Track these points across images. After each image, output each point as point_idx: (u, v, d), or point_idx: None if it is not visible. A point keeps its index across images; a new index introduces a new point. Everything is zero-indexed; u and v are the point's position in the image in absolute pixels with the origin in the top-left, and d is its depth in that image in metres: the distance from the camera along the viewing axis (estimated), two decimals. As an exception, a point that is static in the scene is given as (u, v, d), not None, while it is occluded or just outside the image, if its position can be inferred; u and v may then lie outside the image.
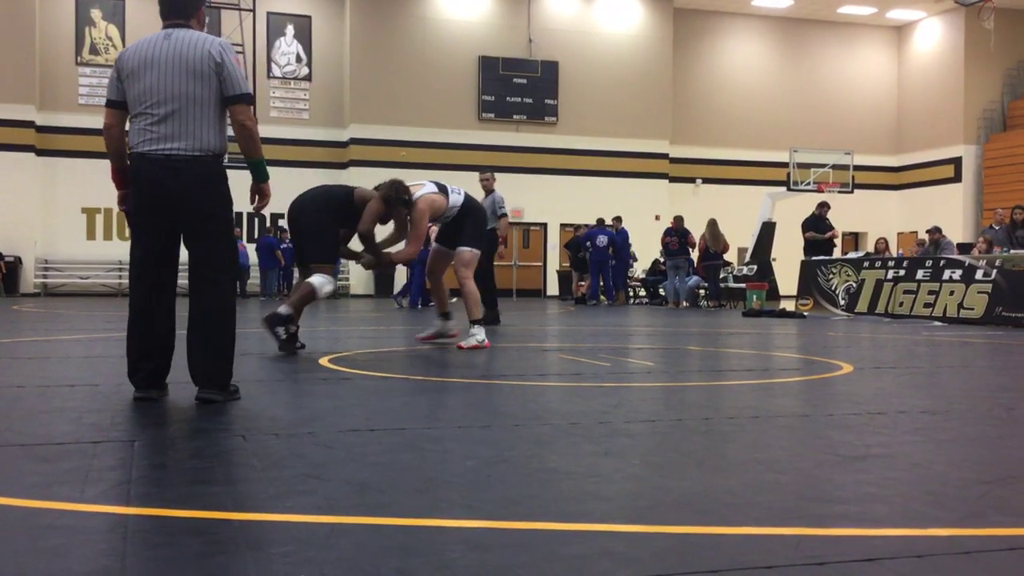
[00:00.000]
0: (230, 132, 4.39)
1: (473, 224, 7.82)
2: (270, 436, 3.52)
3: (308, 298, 7.09)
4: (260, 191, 4.49)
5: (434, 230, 8.59)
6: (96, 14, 24.53)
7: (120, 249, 23.33)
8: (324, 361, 6.36)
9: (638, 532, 2.28)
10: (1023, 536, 2.26)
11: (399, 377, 5.74)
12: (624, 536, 2.25)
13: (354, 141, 25.47)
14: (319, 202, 7.42)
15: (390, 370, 6.08)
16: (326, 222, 7.28)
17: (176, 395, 4.52)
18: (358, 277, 25.62)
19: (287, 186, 24.88)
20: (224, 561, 2.05)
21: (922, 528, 2.33)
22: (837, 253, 17.73)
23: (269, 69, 25.57)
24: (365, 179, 25.26)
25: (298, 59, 25.97)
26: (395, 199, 7.37)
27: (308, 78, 26.03)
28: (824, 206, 17.49)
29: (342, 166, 25.86)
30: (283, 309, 6.99)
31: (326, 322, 12.39)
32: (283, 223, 25.25)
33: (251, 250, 23.62)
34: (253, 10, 23.97)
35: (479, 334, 7.66)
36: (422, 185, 7.70)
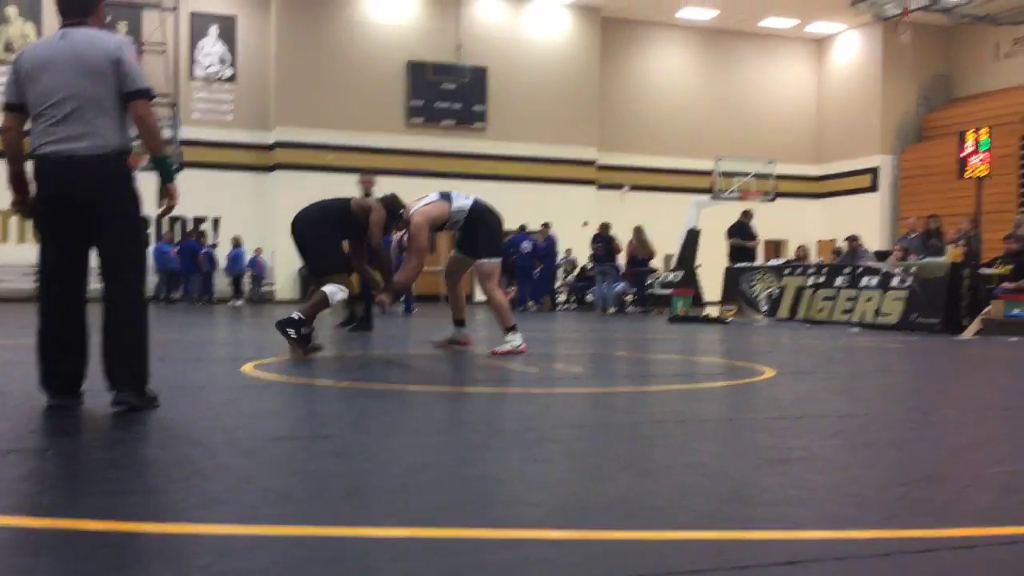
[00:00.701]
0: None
1: (487, 233, 7.72)
2: (190, 445, 3.43)
3: (320, 306, 7.20)
4: (168, 192, 4.29)
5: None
6: (12, 11, 23.78)
7: (33, 252, 22.64)
8: (248, 367, 6.24)
9: (566, 538, 2.28)
10: (940, 538, 2.32)
11: (326, 383, 5.66)
12: (552, 542, 2.25)
13: (279, 144, 25.11)
14: (317, 215, 7.50)
15: (317, 376, 6.00)
16: (328, 234, 7.41)
17: (92, 403, 4.39)
18: (283, 282, 25.26)
19: (211, 188, 24.74)
20: (140, 574, 1.99)
21: (842, 531, 2.37)
22: (760, 260, 18.10)
23: (192, 70, 25.08)
24: (291, 183, 25.00)
25: (222, 60, 25.52)
26: (394, 207, 7.52)
27: (232, 79, 25.60)
28: (748, 214, 17.87)
29: (268, 169, 25.49)
30: (295, 314, 7.15)
31: (251, 328, 12.19)
32: (205, 227, 24.85)
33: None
34: (176, 10, 23.50)
35: (515, 340, 7.58)
36: (426, 197, 7.74)
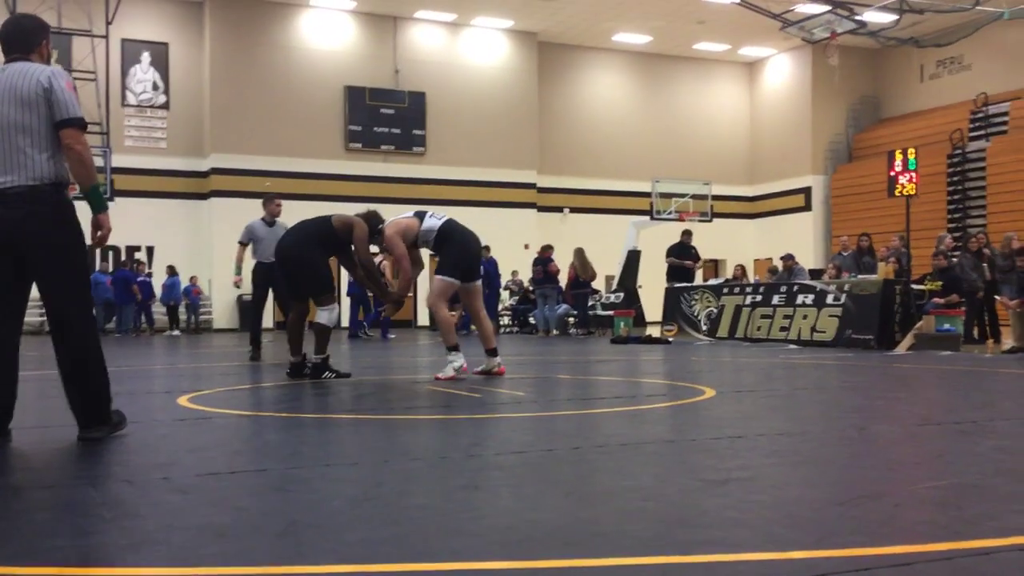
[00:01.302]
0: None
1: (448, 252, 7.75)
2: (122, 483, 3.34)
3: (326, 335, 7.70)
4: (98, 222, 4.23)
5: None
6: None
7: None
8: (183, 400, 6.11)
9: (507, 568, 2.26)
10: (875, 556, 2.35)
11: (263, 415, 5.57)
12: (494, 573, 2.22)
13: (215, 171, 24.81)
14: (300, 237, 7.68)
15: (254, 408, 5.90)
16: (311, 255, 7.58)
17: (20, 441, 4.25)
18: (220, 311, 24.89)
19: (145, 216, 24.39)
20: (67, 622, 1.92)
21: (781, 552, 2.39)
22: (699, 280, 18.31)
23: (124, 97, 24.69)
24: (227, 210, 24.69)
25: (155, 87, 25.17)
26: (375, 221, 7.75)
27: (166, 106, 25.25)
28: (688, 234, 18.10)
29: (203, 196, 25.15)
30: (316, 358, 7.71)
31: (187, 359, 11.97)
32: (139, 256, 24.39)
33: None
34: (107, 37, 23.15)
35: (455, 361, 7.59)
36: (402, 214, 7.97)
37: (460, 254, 7.75)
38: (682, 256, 17.73)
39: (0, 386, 4.15)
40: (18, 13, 4.44)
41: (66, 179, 4.15)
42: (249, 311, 11.09)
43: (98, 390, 4.20)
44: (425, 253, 8.09)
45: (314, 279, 7.64)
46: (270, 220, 10.82)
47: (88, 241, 4.29)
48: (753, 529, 2.63)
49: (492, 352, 8.03)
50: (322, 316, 7.60)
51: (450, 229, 7.77)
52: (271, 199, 10.97)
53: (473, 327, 8.72)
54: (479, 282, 8.07)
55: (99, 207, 4.20)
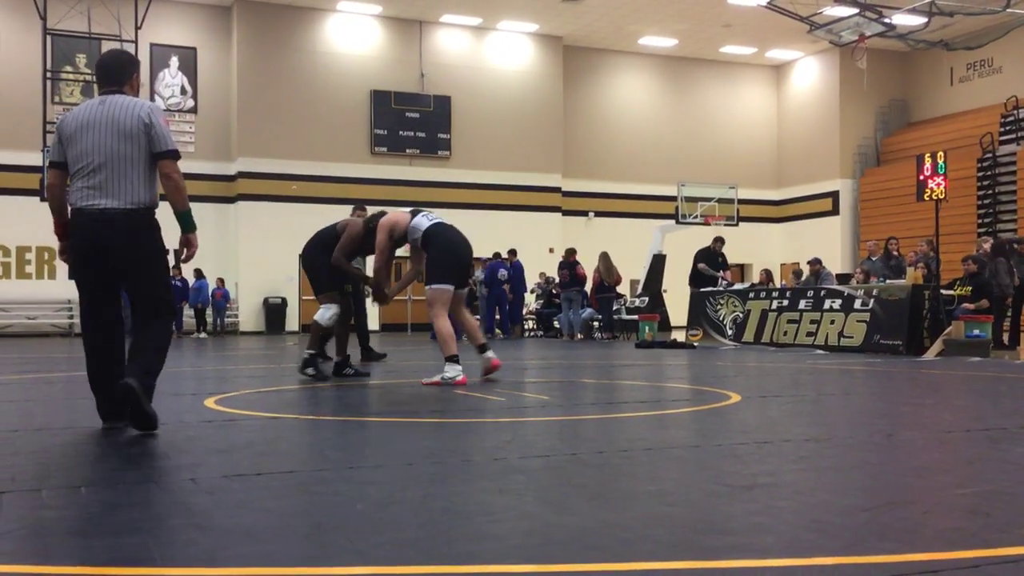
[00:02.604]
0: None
1: (433, 257, 7.69)
2: (149, 484, 3.37)
3: (317, 331, 8.14)
4: (187, 241, 4.83)
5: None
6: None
7: (63, 288, 22.50)
8: (210, 402, 6.16)
9: (531, 572, 2.26)
10: (904, 563, 2.33)
11: (289, 417, 5.60)
12: (517, 577, 2.22)
13: (242, 175, 25.00)
14: (310, 242, 8.38)
15: (280, 410, 5.93)
16: (316, 258, 8.23)
17: (48, 442, 4.30)
18: (247, 314, 25.06)
19: (173, 219, 24.48)
20: (95, 621, 1.94)
21: (807, 558, 2.37)
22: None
23: (152, 101, 24.92)
24: (254, 213, 24.87)
25: (183, 91, 25.41)
26: (372, 222, 8.06)
27: (193, 110, 25.48)
28: (719, 241, 17.94)
29: (230, 200, 25.34)
30: (305, 353, 8.17)
31: (214, 361, 12.06)
32: (168, 259, 24.62)
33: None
34: (135, 41, 23.36)
35: (450, 371, 7.48)
36: (400, 211, 8.22)
37: (449, 261, 7.65)
38: (709, 263, 17.63)
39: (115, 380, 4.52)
40: (114, 48, 5.09)
41: (156, 203, 4.69)
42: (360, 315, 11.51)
43: (156, 373, 4.62)
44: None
45: (316, 280, 8.25)
46: None
47: (176, 256, 4.87)
48: (779, 535, 2.61)
49: (482, 348, 8.01)
50: (317, 314, 8.13)
51: (435, 232, 7.68)
52: (359, 207, 11.58)
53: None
54: (464, 290, 8.00)
55: (189, 228, 4.80)
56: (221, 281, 23.80)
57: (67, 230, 4.68)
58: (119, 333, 4.76)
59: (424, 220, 7.76)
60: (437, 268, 7.63)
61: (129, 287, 4.67)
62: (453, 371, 7.47)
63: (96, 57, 23.52)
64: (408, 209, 8.14)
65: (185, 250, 4.85)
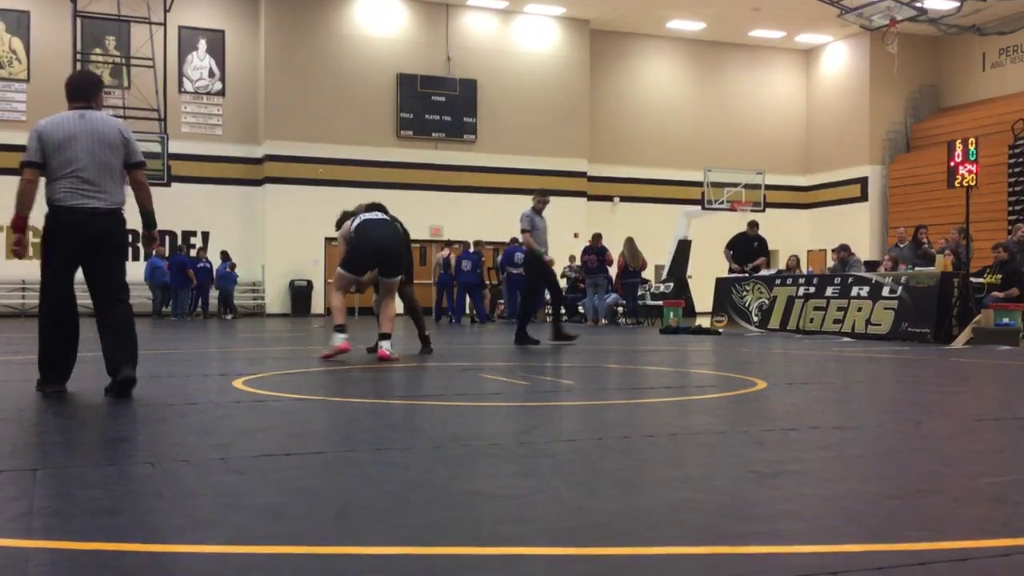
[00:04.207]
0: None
1: (348, 248, 8.66)
2: (180, 463, 3.42)
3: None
4: (149, 237, 5.79)
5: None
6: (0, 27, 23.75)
7: (21, 269, 22.19)
8: (238, 383, 6.22)
9: (558, 555, 2.27)
10: (932, 551, 2.32)
11: (317, 399, 5.64)
12: (544, 559, 2.24)
13: (269, 158, 25.11)
14: (396, 235, 9.01)
15: (307, 392, 5.98)
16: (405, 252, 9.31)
17: (79, 420, 4.37)
18: (273, 296, 25.22)
19: (200, 202, 24.75)
20: (130, 597, 1.97)
21: (835, 544, 2.37)
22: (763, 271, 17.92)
23: (181, 84, 25.07)
24: (281, 196, 24.99)
25: (211, 74, 25.51)
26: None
27: (221, 93, 25.59)
28: (753, 226, 17.55)
29: (257, 183, 25.47)
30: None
31: (242, 342, 12.16)
32: (195, 240, 24.78)
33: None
34: (164, 24, 23.49)
35: (334, 340, 8.36)
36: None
37: (351, 252, 8.57)
38: (743, 248, 17.19)
39: (71, 350, 5.45)
40: (83, 70, 6.23)
41: (124, 202, 5.53)
42: (527, 297, 12.08)
43: (136, 353, 5.48)
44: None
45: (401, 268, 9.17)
46: (540, 211, 11.63)
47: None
48: (806, 522, 2.61)
49: (381, 336, 8.46)
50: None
51: (359, 228, 8.58)
52: (542, 193, 11.87)
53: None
54: (395, 279, 8.77)
55: (152, 225, 5.74)
56: (232, 265, 23.38)
57: (26, 224, 5.43)
58: (72, 303, 5.50)
59: (358, 219, 8.68)
60: (345, 256, 8.66)
61: (103, 273, 5.44)
62: (336, 339, 8.34)
63: (126, 40, 23.77)
64: (368, 204, 9.04)
65: (150, 245, 5.91)
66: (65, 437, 4.04)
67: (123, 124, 5.59)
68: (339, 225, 9.16)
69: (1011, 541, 2.40)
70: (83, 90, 5.56)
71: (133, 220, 5.45)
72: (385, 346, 8.32)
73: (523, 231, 11.52)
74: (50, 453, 3.69)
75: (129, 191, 5.54)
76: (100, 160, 5.33)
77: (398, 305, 9.22)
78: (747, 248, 17.23)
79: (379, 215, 8.78)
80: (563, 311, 12.07)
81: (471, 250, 20.43)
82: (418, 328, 9.63)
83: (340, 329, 8.39)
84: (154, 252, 5.50)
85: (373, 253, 8.55)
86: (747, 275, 16.50)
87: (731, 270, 17.08)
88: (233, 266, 23.34)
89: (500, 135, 26.98)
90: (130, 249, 23.77)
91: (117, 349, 5.36)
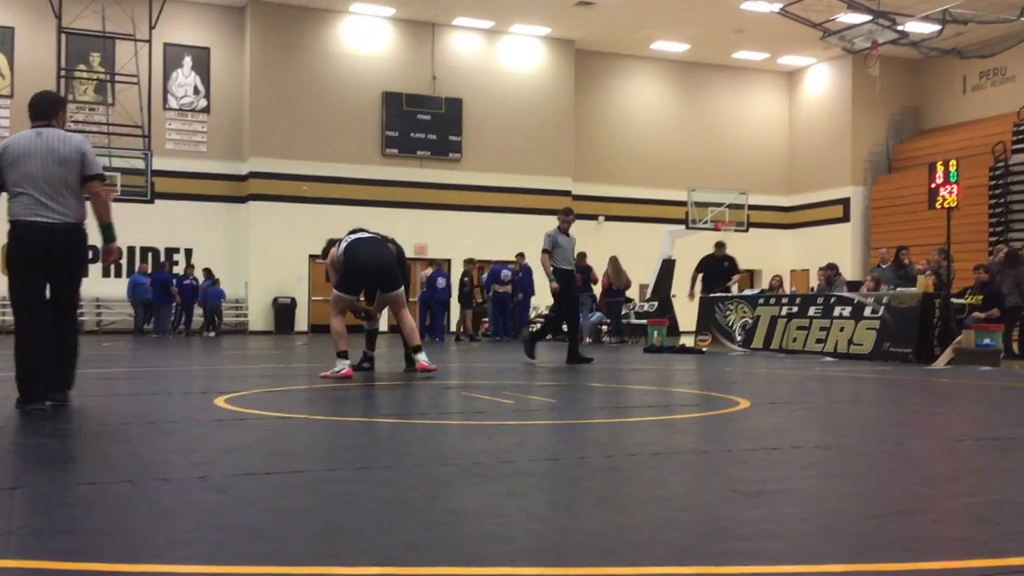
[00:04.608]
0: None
1: (340, 270, 8.63)
2: (159, 482, 3.39)
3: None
4: (109, 250, 5.81)
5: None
6: (-17, 41, 23.67)
7: None
8: (220, 401, 6.18)
9: (540, 574, 2.26)
10: (913, 571, 2.32)
11: (299, 417, 5.61)
12: (526, 579, 2.23)
13: (253, 175, 25.06)
14: (391, 252, 9.07)
15: (290, 410, 5.95)
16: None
17: (59, 439, 4.33)
18: (256, 314, 25.11)
19: (185, 219, 24.65)
20: (107, 617, 1.95)
21: (817, 564, 2.37)
22: (735, 289, 18.09)
23: (165, 100, 25.03)
24: (265, 214, 24.93)
25: (196, 91, 25.49)
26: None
27: (206, 110, 25.56)
28: (720, 246, 17.72)
29: (241, 200, 25.41)
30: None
31: (224, 360, 12.09)
32: (178, 257, 24.67)
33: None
34: (149, 41, 23.47)
35: (337, 365, 8.23)
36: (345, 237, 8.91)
37: (345, 273, 8.51)
38: (713, 269, 17.35)
39: (46, 366, 5.45)
40: (45, 90, 6.26)
41: (85, 217, 5.60)
42: (571, 316, 11.92)
43: (75, 360, 5.69)
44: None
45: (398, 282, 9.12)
46: (566, 230, 11.60)
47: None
48: (788, 541, 2.61)
49: (415, 349, 8.64)
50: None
51: (349, 247, 8.53)
52: (567, 213, 11.81)
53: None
54: (398, 291, 8.71)
55: (110, 238, 5.76)
56: (216, 280, 23.31)
57: None
58: (48, 321, 5.61)
59: (344, 242, 8.63)
60: (339, 278, 8.60)
61: (61, 283, 5.59)
62: (340, 365, 8.21)
63: (110, 56, 23.73)
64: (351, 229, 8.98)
65: (108, 257, 5.83)
66: (44, 455, 4.00)
67: (82, 139, 5.67)
68: (325, 253, 9.13)
69: (992, 562, 2.41)
70: (43, 109, 5.70)
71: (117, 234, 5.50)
72: (422, 358, 8.51)
73: (542, 251, 11.53)
74: (29, 471, 3.66)
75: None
76: (54, 176, 5.45)
77: (382, 324, 9.30)
78: (718, 268, 17.33)
79: (365, 234, 8.78)
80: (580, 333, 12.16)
81: (444, 269, 20.63)
82: (405, 345, 9.59)
83: (343, 355, 8.26)
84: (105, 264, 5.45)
85: (366, 270, 8.54)
86: (729, 295, 16.55)
87: (714, 282, 17.13)
88: (217, 281, 23.26)
89: (485, 154, 27.04)
90: (112, 266, 23.71)
91: (59, 369, 5.53)
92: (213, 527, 2.69)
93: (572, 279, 11.62)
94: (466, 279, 21.03)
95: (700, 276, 17.43)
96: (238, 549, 2.45)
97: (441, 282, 20.04)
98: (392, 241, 9.18)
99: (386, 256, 8.67)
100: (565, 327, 11.95)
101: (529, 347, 11.46)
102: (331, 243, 9.14)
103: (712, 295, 16.95)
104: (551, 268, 11.39)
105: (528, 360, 11.22)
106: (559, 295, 11.47)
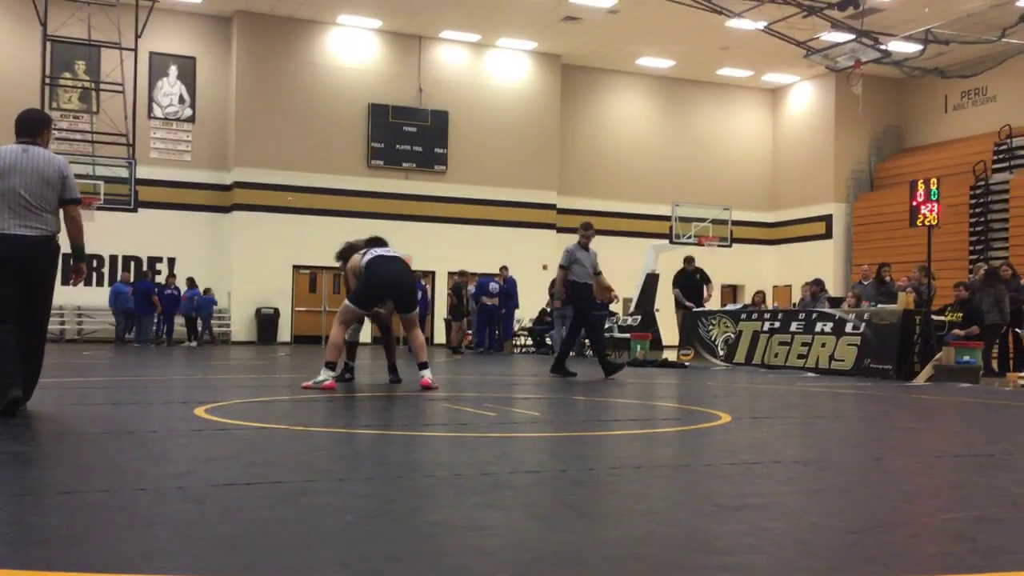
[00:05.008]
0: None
1: (358, 284, 8.52)
2: (137, 492, 3.36)
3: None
4: (79, 269, 6.14)
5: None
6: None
7: None
8: (200, 411, 6.14)
9: (519, 587, 2.25)
10: (890, 585, 2.33)
11: (280, 427, 5.58)
12: (505, 592, 2.22)
13: (238, 184, 25.00)
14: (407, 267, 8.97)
15: (271, 420, 5.92)
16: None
17: (36, 447, 4.29)
18: (239, 324, 25.00)
19: (168, 228, 24.55)
20: (81, 627, 1.93)
21: (796, 578, 2.37)
22: (716, 305, 18.21)
23: (150, 109, 24.96)
24: (249, 224, 24.86)
25: (181, 100, 25.43)
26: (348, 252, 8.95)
27: (191, 119, 25.50)
28: (689, 261, 17.98)
29: (225, 210, 25.34)
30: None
31: (206, 370, 12.03)
32: (160, 267, 24.54)
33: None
34: (135, 50, 23.40)
35: (321, 375, 8.19)
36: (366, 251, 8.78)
37: (361, 288, 8.44)
38: (688, 283, 17.63)
39: (17, 374, 5.53)
40: (32, 108, 6.40)
41: (59, 230, 5.90)
42: (574, 329, 11.96)
43: (38, 371, 5.91)
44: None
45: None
46: (586, 245, 11.43)
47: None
48: (767, 555, 2.62)
49: (421, 366, 8.60)
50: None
51: (369, 263, 8.42)
52: (587, 228, 11.60)
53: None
54: (413, 313, 8.68)
55: (82, 259, 6.10)
56: (208, 290, 23.37)
57: None
58: (19, 332, 5.80)
59: (369, 254, 8.50)
60: (357, 292, 8.49)
61: (34, 294, 5.80)
62: (324, 375, 8.15)
63: (96, 65, 23.65)
64: (365, 238, 8.91)
65: (75, 276, 6.13)
66: (20, 463, 3.97)
67: (63, 162, 5.94)
68: (342, 256, 8.96)
69: (968, 576, 2.42)
70: (29, 127, 5.95)
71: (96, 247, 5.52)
72: (426, 375, 8.48)
73: (559, 266, 11.44)
74: (4, 479, 3.62)
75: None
76: (36, 193, 5.73)
77: (364, 334, 9.26)
78: (693, 282, 17.65)
79: (390, 251, 8.66)
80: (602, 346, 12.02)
81: (422, 281, 20.65)
82: (389, 358, 9.54)
83: (330, 367, 8.22)
84: (72, 284, 5.59)
85: (385, 289, 8.49)
86: (713, 310, 16.62)
87: (680, 304, 17.34)
88: (208, 291, 23.26)
89: (470, 166, 27.08)
90: (95, 274, 23.57)
91: (23, 376, 5.62)
92: (191, 538, 2.67)
93: (590, 293, 11.45)
94: (460, 291, 20.97)
95: (679, 292, 17.68)
96: (216, 560, 2.43)
97: (494, 287, 20.04)
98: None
99: (408, 277, 8.60)
100: (587, 342, 11.94)
101: (560, 369, 11.23)
102: (351, 247, 8.95)
103: (696, 310, 17.02)
104: (562, 285, 11.35)
105: (568, 377, 11.00)
106: (581, 312, 11.39)
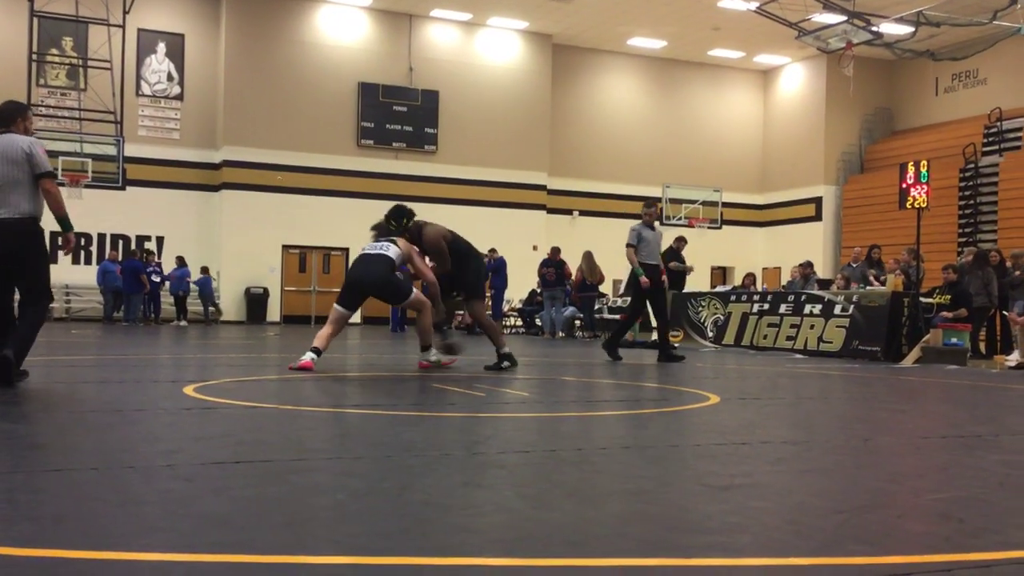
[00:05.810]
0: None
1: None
2: (126, 469, 3.36)
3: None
4: (67, 239, 6.28)
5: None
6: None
7: None
8: (189, 390, 6.14)
9: (508, 565, 2.26)
10: (877, 565, 2.35)
11: (269, 407, 5.58)
12: (494, 570, 2.23)
13: (227, 163, 24.87)
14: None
15: (260, 399, 5.91)
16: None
17: (25, 425, 4.28)
18: (228, 303, 24.94)
19: (157, 206, 24.44)
20: (70, 604, 1.93)
21: (783, 557, 2.39)
22: (705, 287, 18.20)
23: (138, 87, 24.77)
24: (238, 202, 24.76)
25: (169, 77, 25.24)
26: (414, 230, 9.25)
27: (180, 97, 25.32)
28: (681, 241, 17.89)
29: (214, 188, 25.22)
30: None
31: (194, 349, 12.00)
32: (149, 245, 24.43)
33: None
34: (123, 26, 23.23)
35: (304, 356, 8.11)
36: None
37: (343, 287, 8.67)
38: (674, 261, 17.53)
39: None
40: (8, 100, 6.48)
41: (40, 214, 6.00)
42: (628, 308, 11.78)
43: (30, 344, 6.00)
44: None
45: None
46: (651, 224, 11.10)
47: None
48: (754, 535, 2.63)
49: (424, 348, 8.72)
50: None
51: (355, 260, 8.67)
52: (650, 204, 11.30)
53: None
54: (408, 301, 8.67)
55: (67, 229, 6.18)
56: (205, 269, 23.40)
57: None
58: (8, 311, 6.06)
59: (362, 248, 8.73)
60: (341, 291, 8.67)
61: (18, 279, 5.98)
62: (304, 356, 8.08)
63: (83, 41, 23.45)
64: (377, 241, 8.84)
65: (65, 246, 6.28)
66: (9, 441, 3.96)
67: (32, 141, 6.07)
68: (411, 232, 9.07)
69: (953, 556, 2.44)
70: (2, 117, 6.14)
71: (84, 225, 5.58)
72: (422, 356, 8.63)
73: (627, 245, 10.93)
74: (-8, 458, 3.61)
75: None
76: (7, 176, 5.88)
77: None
78: (679, 261, 17.57)
79: (376, 247, 8.58)
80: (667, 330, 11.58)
81: (503, 257, 20.64)
82: (494, 343, 9.13)
83: (315, 351, 8.12)
84: (64, 254, 5.94)
85: (354, 289, 8.53)
86: (702, 292, 16.64)
87: (680, 275, 17.34)
88: (204, 270, 23.24)
89: (461, 146, 27.00)
90: (83, 252, 23.46)
91: (11, 337, 5.88)
92: (180, 515, 2.67)
93: (659, 275, 10.97)
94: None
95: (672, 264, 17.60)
96: (205, 537, 2.43)
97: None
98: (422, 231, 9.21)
99: (375, 274, 8.38)
100: (653, 325, 11.68)
101: (612, 350, 10.97)
102: (412, 218, 9.20)
103: (685, 291, 17.04)
104: (639, 265, 10.79)
105: (614, 359, 10.81)
106: (644, 293, 10.97)
